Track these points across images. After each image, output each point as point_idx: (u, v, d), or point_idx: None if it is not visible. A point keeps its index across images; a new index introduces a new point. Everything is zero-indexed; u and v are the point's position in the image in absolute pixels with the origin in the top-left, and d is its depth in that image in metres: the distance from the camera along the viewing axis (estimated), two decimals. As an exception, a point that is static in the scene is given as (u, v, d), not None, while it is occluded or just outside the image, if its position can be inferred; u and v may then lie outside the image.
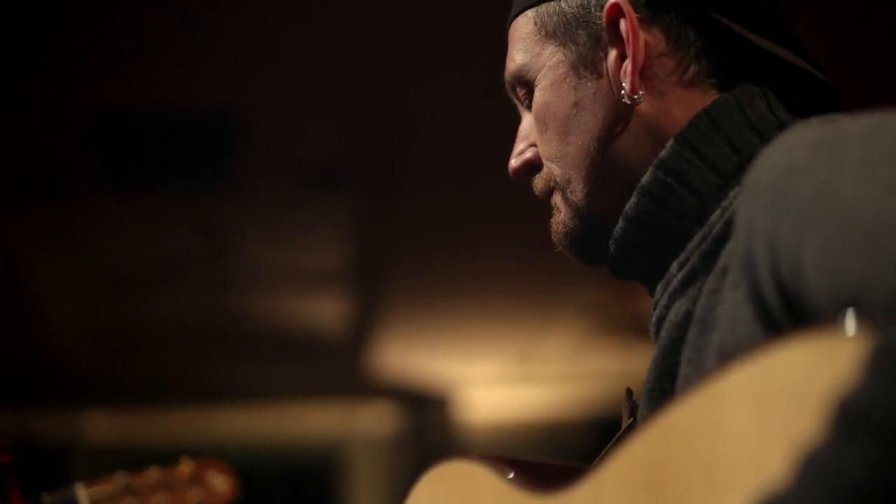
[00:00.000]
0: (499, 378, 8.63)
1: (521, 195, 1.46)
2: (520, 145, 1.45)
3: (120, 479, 2.59)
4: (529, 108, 1.43)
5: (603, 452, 1.12)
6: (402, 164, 5.46)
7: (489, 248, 6.25)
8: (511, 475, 1.22)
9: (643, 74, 1.34)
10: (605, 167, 1.36)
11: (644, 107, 1.34)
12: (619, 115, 1.35)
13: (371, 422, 9.32)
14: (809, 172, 1.04)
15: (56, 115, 4.89)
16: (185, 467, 2.66)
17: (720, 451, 0.98)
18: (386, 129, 5.10)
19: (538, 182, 1.42)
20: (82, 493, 2.55)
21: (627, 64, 1.34)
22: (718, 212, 1.27)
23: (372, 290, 7.17)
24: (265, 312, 7.45)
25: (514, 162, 1.45)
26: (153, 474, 2.63)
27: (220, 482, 2.66)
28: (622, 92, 1.34)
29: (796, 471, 0.91)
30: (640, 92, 1.34)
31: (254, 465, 9.28)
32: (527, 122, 1.44)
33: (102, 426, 9.25)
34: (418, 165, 5.44)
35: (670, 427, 1.03)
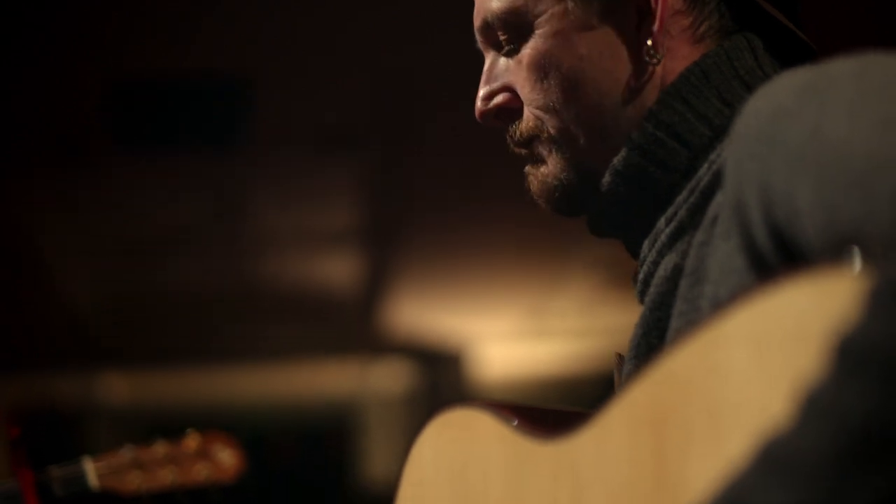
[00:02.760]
0: (511, 334, 8.66)
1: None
2: (488, 87, 1.39)
3: (127, 453, 2.61)
4: (509, 52, 1.38)
5: (603, 402, 1.11)
6: (413, 124, 5.47)
7: (500, 204, 6.24)
8: (515, 422, 1.21)
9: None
10: (608, 123, 1.33)
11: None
12: (628, 71, 1.32)
13: (385, 379, 9.35)
14: (798, 116, 1.03)
15: (69, 81, 4.90)
16: (192, 440, 2.68)
17: (722, 394, 0.98)
18: (396, 89, 5.11)
19: (521, 129, 1.37)
20: (89, 466, 2.59)
21: (653, 22, 1.31)
22: (706, 165, 1.26)
23: (384, 249, 7.18)
24: (278, 273, 7.47)
25: (482, 105, 1.40)
26: (160, 448, 2.65)
27: (227, 456, 2.69)
28: (644, 49, 1.32)
29: (798, 409, 0.91)
30: (662, 51, 1.31)
31: (269, 424, 9.34)
32: (501, 64, 1.39)
33: (118, 389, 9.30)
34: (429, 125, 5.45)
35: (671, 371, 1.02)
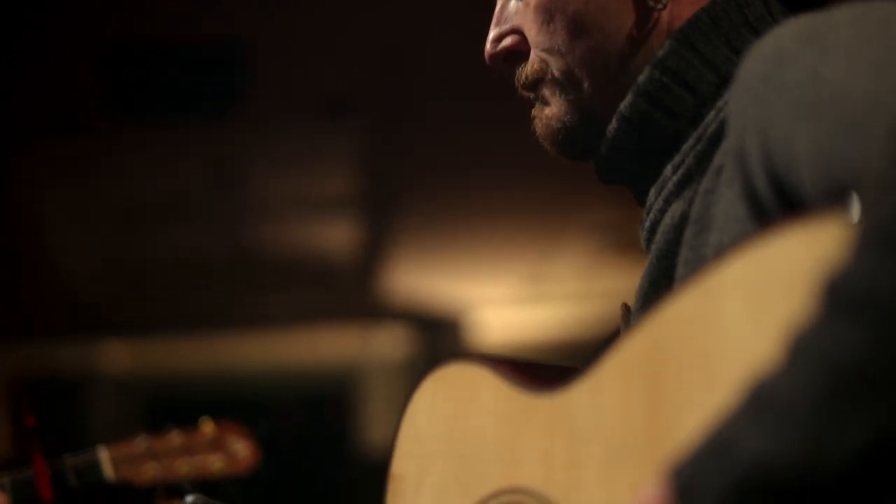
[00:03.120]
0: (510, 299, 8.67)
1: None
2: (498, 29, 1.39)
3: (141, 443, 2.57)
4: None
5: (600, 353, 1.12)
6: (412, 90, 5.47)
7: (498, 169, 6.25)
8: (511, 376, 1.22)
9: None
10: (612, 67, 1.33)
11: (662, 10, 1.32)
12: (634, 16, 1.32)
13: (385, 345, 9.37)
14: (798, 60, 1.03)
15: (66, 48, 4.90)
16: (207, 430, 2.64)
17: (716, 344, 0.99)
18: (395, 55, 5.10)
19: (527, 72, 1.37)
20: (104, 455, 2.55)
21: None
22: (713, 112, 1.26)
23: (383, 215, 7.18)
24: (277, 240, 7.48)
25: (490, 48, 1.40)
26: (175, 438, 2.61)
27: (241, 448, 2.66)
28: None
29: (786, 352, 0.90)
30: None
31: (269, 390, 9.36)
32: (511, 7, 1.39)
33: (119, 357, 9.32)
34: (428, 91, 5.45)
35: (666, 322, 1.03)
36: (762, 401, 0.91)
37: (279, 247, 7.57)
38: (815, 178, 0.98)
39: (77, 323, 8.53)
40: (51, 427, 2.55)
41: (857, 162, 0.94)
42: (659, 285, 1.26)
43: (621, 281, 8.03)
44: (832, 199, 0.95)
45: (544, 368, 1.25)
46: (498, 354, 1.28)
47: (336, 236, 7.42)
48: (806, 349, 0.90)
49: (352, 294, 8.60)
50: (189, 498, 1.85)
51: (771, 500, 0.88)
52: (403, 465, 1.34)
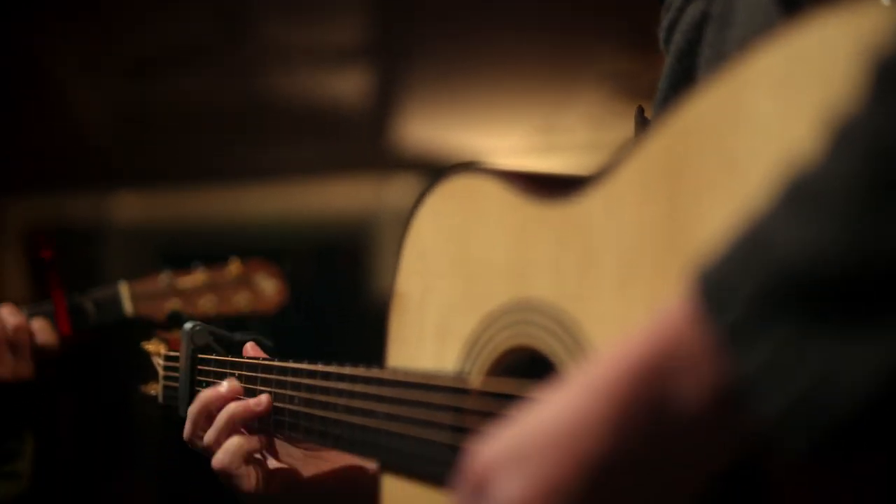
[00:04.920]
0: (522, 149, 8.62)
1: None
2: None
3: (164, 279, 2.51)
4: None
5: (615, 160, 1.05)
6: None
7: (510, 18, 6.18)
8: (520, 186, 1.15)
9: None
10: None
11: None
12: None
13: (398, 196, 9.34)
14: None
15: None
16: (234, 268, 2.57)
17: (743, 141, 0.90)
18: None
19: None
20: (124, 290, 2.50)
21: None
22: None
23: (395, 65, 7.12)
24: (289, 90, 7.42)
25: None
26: (199, 275, 2.54)
27: (269, 286, 2.59)
28: None
29: (827, 142, 0.82)
30: None
31: (283, 242, 9.37)
32: None
33: (130, 208, 9.30)
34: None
35: (687, 122, 0.95)
36: (801, 195, 0.82)
37: (290, 96, 7.51)
38: None
39: (88, 173, 8.51)
40: (63, 277, 2.49)
41: None
42: (678, 87, 1.19)
43: (632, 130, 7.99)
44: None
45: (555, 178, 1.18)
46: (506, 166, 1.21)
47: (348, 86, 7.36)
48: (849, 137, 0.81)
49: (364, 145, 8.55)
50: (188, 325, 1.82)
51: (811, 300, 0.80)
52: (408, 283, 1.29)
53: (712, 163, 0.93)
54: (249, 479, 1.67)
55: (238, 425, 1.67)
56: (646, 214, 0.99)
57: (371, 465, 1.63)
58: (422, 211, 1.27)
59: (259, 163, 8.52)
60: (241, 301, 2.55)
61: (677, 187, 0.96)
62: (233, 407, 1.66)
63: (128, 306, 2.48)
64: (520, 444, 0.92)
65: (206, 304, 2.53)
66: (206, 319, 2.26)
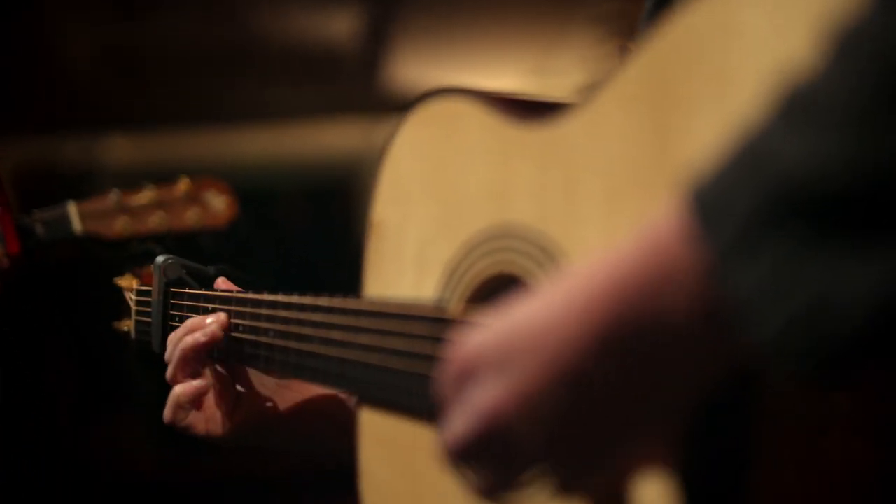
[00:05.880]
0: (514, 92, 8.60)
1: None
2: None
3: (112, 197, 2.51)
4: None
5: (598, 83, 1.00)
6: None
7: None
8: (501, 109, 1.11)
9: None
10: None
11: None
12: None
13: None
14: None
15: None
16: (182, 185, 2.59)
17: (733, 57, 0.85)
18: None
19: None
20: (73, 209, 2.50)
21: None
22: None
23: (386, 6, 7.08)
24: (279, 31, 7.38)
25: None
26: (148, 193, 2.55)
27: (219, 202, 2.60)
28: None
29: (827, 52, 0.78)
30: None
31: (274, 184, 9.34)
32: None
33: (122, 149, 9.26)
34: None
35: (672, 40, 0.90)
36: (801, 107, 0.78)
37: (281, 37, 7.47)
38: None
39: (75, 115, 8.46)
40: (23, 212, 2.47)
41: None
42: (663, 6, 1.14)
43: (628, 73, 7.96)
44: None
45: (538, 102, 1.14)
46: (486, 89, 1.17)
47: (339, 28, 7.32)
48: (851, 46, 0.76)
49: (355, 86, 8.51)
50: (160, 258, 1.79)
51: (813, 217, 0.76)
52: (385, 211, 1.24)
53: (701, 78, 0.88)
54: (198, 425, 1.62)
55: (193, 360, 1.62)
56: (632, 136, 0.94)
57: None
58: (398, 136, 1.22)
59: (249, 105, 8.48)
60: (191, 217, 2.57)
61: (665, 108, 0.91)
62: (183, 342, 1.61)
63: (77, 224, 2.48)
64: (506, 344, 0.91)
65: (156, 220, 2.54)
66: (158, 238, 2.27)
